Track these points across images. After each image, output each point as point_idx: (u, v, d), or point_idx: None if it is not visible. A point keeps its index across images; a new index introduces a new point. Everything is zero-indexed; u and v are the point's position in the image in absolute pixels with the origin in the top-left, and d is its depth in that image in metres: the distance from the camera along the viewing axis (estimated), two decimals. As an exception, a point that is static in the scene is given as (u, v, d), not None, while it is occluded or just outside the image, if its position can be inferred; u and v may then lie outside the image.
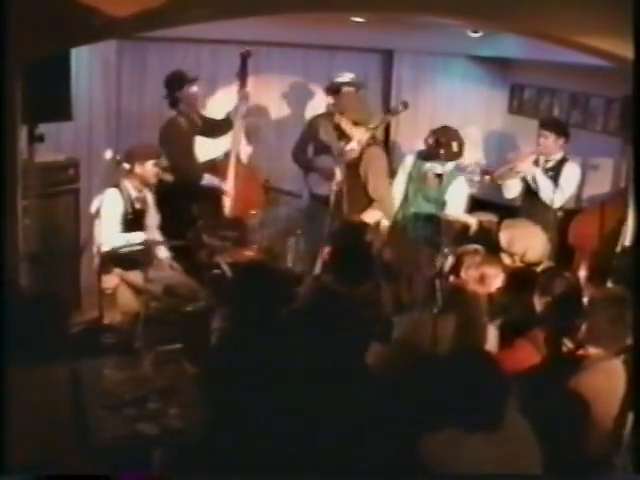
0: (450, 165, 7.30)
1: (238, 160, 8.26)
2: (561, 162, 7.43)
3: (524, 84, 9.77)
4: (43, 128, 6.18)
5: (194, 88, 8.07)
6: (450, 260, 5.81)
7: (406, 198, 7.49)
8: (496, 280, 5.57)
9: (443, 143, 7.17)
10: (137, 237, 6.86)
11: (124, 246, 6.72)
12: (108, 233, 6.81)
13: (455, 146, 7.24)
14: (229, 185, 8.11)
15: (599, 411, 4.25)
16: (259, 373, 4.17)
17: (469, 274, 5.46)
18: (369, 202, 7.22)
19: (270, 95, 9.56)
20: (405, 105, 7.38)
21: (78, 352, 5.14)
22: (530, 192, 7.50)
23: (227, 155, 8.20)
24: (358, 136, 7.11)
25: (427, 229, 7.20)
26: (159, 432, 4.67)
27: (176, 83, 8.01)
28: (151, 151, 7.15)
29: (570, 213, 7.65)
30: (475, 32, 8.52)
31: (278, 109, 9.63)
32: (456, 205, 7.21)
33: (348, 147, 7.12)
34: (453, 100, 9.88)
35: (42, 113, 5.98)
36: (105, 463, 4.27)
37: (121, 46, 8.53)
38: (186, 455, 4.37)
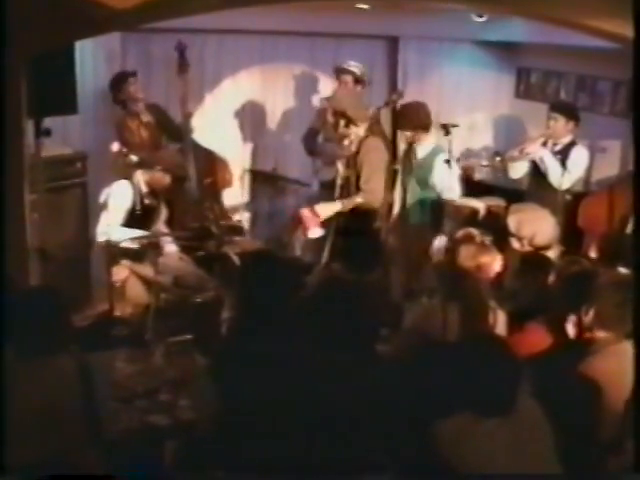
0: (429, 145, 7.27)
1: (197, 145, 8.25)
2: (569, 145, 7.40)
3: (531, 68, 9.75)
4: (50, 122, 6.19)
5: (133, 84, 8.06)
6: (447, 246, 5.79)
7: (404, 186, 7.45)
8: (493, 267, 5.54)
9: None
10: (139, 232, 6.87)
11: (126, 240, 6.75)
12: (113, 225, 6.84)
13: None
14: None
15: (611, 394, 4.24)
16: (269, 362, 4.17)
17: (466, 265, 5.44)
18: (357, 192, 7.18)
19: (276, 84, 9.55)
20: (400, 94, 7.38)
21: (89, 345, 5.16)
22: (537, 175, 7.48)
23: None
24: (354, 132, 7.11)
25: (428, 215, 7.19)
26: (171, 424, 4.68)
27: (115, 84, 8.05)
28: (172, 161, 7.18)
29: (579, 196, 7.63)
30: (480, 16, 8.49)
31: (284, 98, 9.61)
32: (448, 187, 7.15)
33: (346, 142, 7.13)
34: (460, 85, 9.86)
35: (47, 107, 5.97)
36: (117, 455, 4.28)
37: (125, 37, 8.52)
38: (197, 446, 4.37)
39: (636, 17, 4.90)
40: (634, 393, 4.06)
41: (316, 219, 6.99)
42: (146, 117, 8.15)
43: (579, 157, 7.39)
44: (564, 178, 7.29)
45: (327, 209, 7.06)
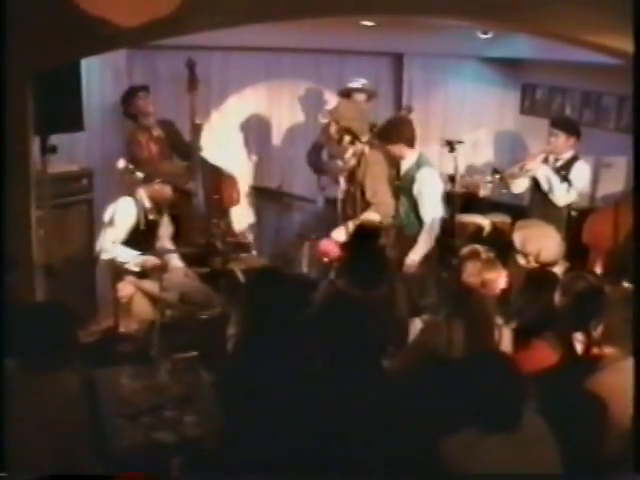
0: (412, 158, 7.29)
1: (205, 162, 8.28)
2: (571, 161, 7.39)
3: (535, 84, 9.76)
4: (56, 139, 6.21)
5: (143, 98, 8.13)
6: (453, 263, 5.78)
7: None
8: (498, 283, 5.53)
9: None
10: (144, 251, 6.89)
11: (131, 260, 6.77)
12: (117, 243, 6.87)
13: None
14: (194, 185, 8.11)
15: (616, 411, 4.23)
16: (275, 379, 4.17)
17: (470, 281, 5.43)
18: (367, 207, 7.23)
19: (282, 101, 9.58)
20: (409, 109, 7.40)
21: (94, 361, 5.16)
22: (540, 192, 7.46)
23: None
24: (354, 144, 7.16)
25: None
26: (176, 440, 4.67)
27: (126, 98, 8.14)
28: (172, 172, 7.18)
29: (584, 212, 7.63)
30: (485, 33, 8.51)
31: (289, 115, 9.63)
32: (428, 201, 7.15)
33: (347, 155, 7.17)
34: (464, 102, 9.87)
35: (54, 124, 5.99)
36: (122, 471, 4.27)
37: (131, 54, 8.55)
38: (203, 463, 4.37)
39: (636, 32, 4.92)
40: (635, 393, 4.04)
41: (338, 248, 7.01)
42: (157, 132, 8.19)
43: (581, 172, 7.38)
44: (564, 194, 7.28)
45: (343, 233, 7.08)
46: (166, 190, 7.04)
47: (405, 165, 7.22)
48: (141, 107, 8.11)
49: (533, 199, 7.64)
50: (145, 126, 8.15)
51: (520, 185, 7.62)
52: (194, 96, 8.03)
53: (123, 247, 6.87)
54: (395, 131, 7.26)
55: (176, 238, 7.50)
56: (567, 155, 7.40)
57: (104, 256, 6.93)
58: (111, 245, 6.87)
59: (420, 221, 7.13)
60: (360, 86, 8.43)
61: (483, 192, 8.10)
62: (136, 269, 6.84)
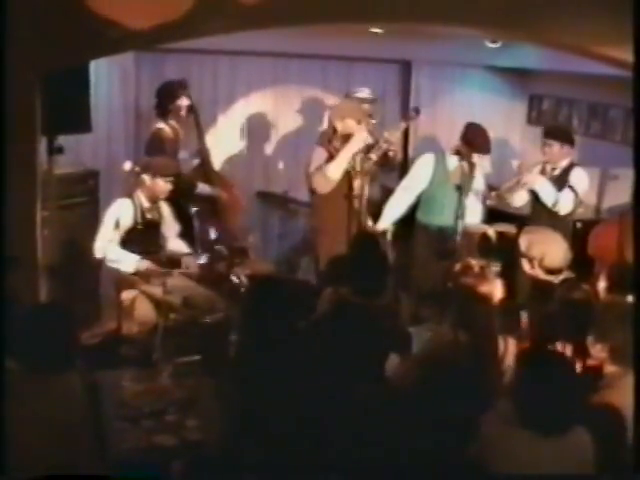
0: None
1: (212, 169, 8.27)
2: (568, 169, 7.42)
3: (543, 95, 9.76)
4: (62, 140, 6.22)
5: (185, 101, 8.05)
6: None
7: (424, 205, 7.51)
8: (493, 295, 5.46)
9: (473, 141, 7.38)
10: (132, 258, 6.84)
11: (116, 260, 6.77)
12: (104, 242, 6.83)
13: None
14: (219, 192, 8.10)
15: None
16: (277, 385, 4.17)
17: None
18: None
19: (289, 107, 9.58)
20: (417, 111, 7.45)
21: (96, 363, 5.16)
22: (541, 203, 7.46)
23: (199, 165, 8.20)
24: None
25: (443, 240, 7.22)
26: (177, 444, 4.66)
27: (169, 94, 8.00)
28: (167, 166, 7.13)
29: (589, 223, 7.61)
30: (493, 42, 8.50)
31: (296, 121, 9.63)
32: (473, 214, 7.22)
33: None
34: (472, 111, 9.85)
35: (61, 125, 6.02)
36: (122, 474, 4.27)
37: (139, 57, 8.56)
38: (204, 467, 4.36)
39: (636, 43, 4.93)
40: (635, 390, 4.01)
41: None
42: (182, 132, 8.18)
43: (580, 178, 7.38)
44: (565, 202, 7.29)
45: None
46: (166, 185, 6.99)
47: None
48: (181, 106, 8.03)
49: (535, 210, 7.63)
50: (173, 125, 8.08)
51: (520, 198, 7.62)
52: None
53: (120, 249, 6.84)
54: (483, 139, 7.42)
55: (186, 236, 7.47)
56: (563, 163, 7.43)
57: (99, 254, 6.86)
58: (107, 245, 6.81)
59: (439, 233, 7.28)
60: (366, 96, 8.40)
61: (490, 202, 8.09)
62: (131, 271, 6.79)
